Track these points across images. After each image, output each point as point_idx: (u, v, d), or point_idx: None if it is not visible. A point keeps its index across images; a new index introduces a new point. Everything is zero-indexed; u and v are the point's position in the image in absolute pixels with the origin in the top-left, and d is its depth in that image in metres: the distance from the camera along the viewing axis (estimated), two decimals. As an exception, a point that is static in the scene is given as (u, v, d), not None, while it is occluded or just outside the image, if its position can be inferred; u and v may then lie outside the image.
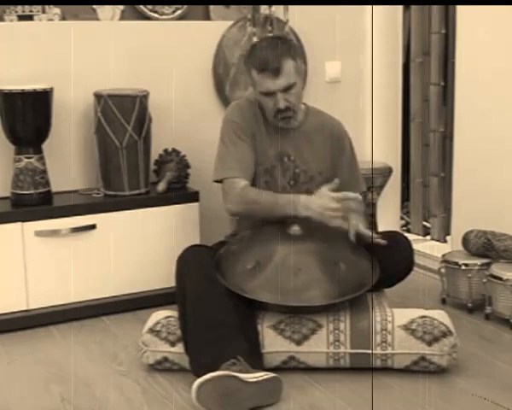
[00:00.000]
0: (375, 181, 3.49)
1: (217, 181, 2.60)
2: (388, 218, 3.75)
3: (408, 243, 2.63)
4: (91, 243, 2.90)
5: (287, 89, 2.49)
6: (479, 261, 2.89)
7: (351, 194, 2.45)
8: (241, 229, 2.66)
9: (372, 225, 3.46)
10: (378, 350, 2.33)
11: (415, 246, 2.72)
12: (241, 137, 2.57)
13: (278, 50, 2.49)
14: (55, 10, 3.05)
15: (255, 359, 2.24)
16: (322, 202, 2.41)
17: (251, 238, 2.49)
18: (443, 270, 3.00)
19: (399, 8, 3.69)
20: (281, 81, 2.48)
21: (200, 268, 2.39)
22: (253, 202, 2.49)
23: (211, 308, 2.29)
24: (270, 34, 3.34)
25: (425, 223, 3.81)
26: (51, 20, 3.04)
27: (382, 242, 2.45)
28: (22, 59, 2.96)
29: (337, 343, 2.34)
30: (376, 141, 3.76)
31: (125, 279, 2.97)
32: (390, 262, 2.48)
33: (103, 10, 3.17)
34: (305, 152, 2.64)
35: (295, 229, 2.42)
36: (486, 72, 3.00)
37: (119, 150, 2.98)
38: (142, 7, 3.23)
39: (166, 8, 3.27)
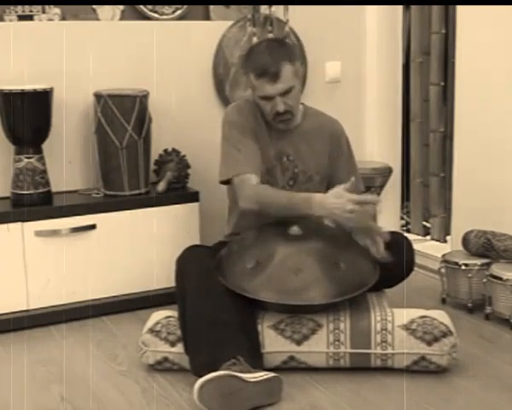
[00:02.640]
0: (374, 181, 3.49)
1: (223, 182, 2.58)
2: (388, 218, 3.75)
3: (409, 243, 2.64)
4: (91, 243, 2.90)
5: (285, 93, 2.48)
6: (479, 261, 2.89)
7: (369, 197, 2.43)
8: (240, 229, 2.65)
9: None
10: (378, 350, 2.33)
11: (415, 246, 2.72)
12: (246, 134, 2.55)
13: (276, 55, 2.48)
14: (55, 10, 3.05)
15: (255, 359, 2.24)
16: (339, 202, 2.35)
17: (251, 238, 2.49)
18: (443, 270, 3.00)
19: (399, 8, 3.69)
20: (279, 86, 2.46)
21: (200, 268, 2.39)
22: (269, 199, 2.46)
23: (211, 308, 2.29)
24: (270, 35, 3.34)
25: (425, 223, 3.81)
26: (51, 20, 3.04)
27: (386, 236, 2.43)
28: (22, 59, 2.96)
29: (337, 343, 2.34)
30: (376, 141, 3.77)
31: (125, 279, 2.97)
32: (390, 263, 2.47)
33: (103, 10, 3.17)
34: (304, 152, 2.64)
35: (295, 229, 2.42)
36: (486, 72, 3.00)
37: (119, 150, 2.98)
38: (142, 7, 3.23)
39: (166, 8, 3.27)
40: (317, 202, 2.39)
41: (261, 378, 2.13)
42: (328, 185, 2.70)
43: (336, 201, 2.36)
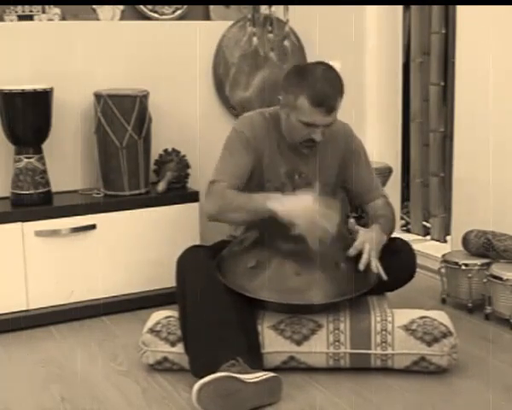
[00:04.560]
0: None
1: None
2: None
3: (410, 249, 2.62)
4: (91, 243, 2.90)
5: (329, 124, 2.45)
6: (479, 261, 2.89)
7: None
8: (243, 229, 2.64)
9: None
10: (378, 350, 2.33)
11: (415, 246, 2.72)
12: (245, 149, 2.49)
13: (335, 87, 2.42)
14: (55, 10, 3.05)
15: (255, 359, 2.24)
16: (300, 209, 2.31)
17: (252, 238, 2.48)
18: (443, 270, 3.00)
19: (399, 8, 3.69)
20: (330, 119, 2.42)
21: (200, 268, 2.39)
22: (228, 202, 2.42)
23: (211, 308, 2.29)
24: (270, 35, 3.34)
25: (425, 223, 3.81)
26: (51, 20, 3.04)
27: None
28: (22, 59, 2.96)
29: (337, 344, 2.34)
30: (376, 141, 3.77)
31: (125, 279, 2.97)
32: (392, 268, 2.42)
33: (103, 10, 3.17)
34: (318, 166, 2.58)
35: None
36: (486, 72, 3.00)
37: (119, 150, 2.98)
38: (142, 7, 3.23)
39: (166, 8, 3.27)
40: (295, 217, 2.31)
41: (260, 379, 2.13)
42: (347, 191, 2.69)
43: (298, 206, 2.31)
